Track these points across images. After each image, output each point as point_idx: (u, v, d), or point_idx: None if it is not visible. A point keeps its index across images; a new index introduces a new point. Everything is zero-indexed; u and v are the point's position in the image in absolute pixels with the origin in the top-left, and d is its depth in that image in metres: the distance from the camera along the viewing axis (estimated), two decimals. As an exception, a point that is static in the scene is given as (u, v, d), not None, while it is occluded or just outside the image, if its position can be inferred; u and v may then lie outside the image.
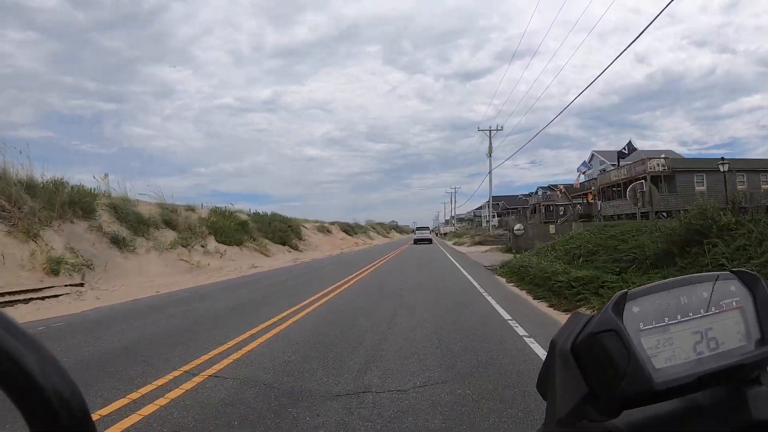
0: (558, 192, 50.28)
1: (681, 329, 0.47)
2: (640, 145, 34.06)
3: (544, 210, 54.59)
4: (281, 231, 24.89)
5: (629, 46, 19.16)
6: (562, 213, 50.14)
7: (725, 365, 0.47)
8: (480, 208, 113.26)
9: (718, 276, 0.51)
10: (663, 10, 8.51)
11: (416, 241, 41.49)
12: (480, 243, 31.55)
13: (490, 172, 36.62)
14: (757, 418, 0.48)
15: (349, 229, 47.40)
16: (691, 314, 0.48)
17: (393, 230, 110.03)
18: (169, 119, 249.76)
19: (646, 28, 11.42)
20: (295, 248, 25.67)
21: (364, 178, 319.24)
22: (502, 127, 34.13)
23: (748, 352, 0.48)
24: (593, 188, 36.43)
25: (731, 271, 0.51)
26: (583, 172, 34.57)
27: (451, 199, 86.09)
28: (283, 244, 24.24)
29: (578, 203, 44.02)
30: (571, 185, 44.91)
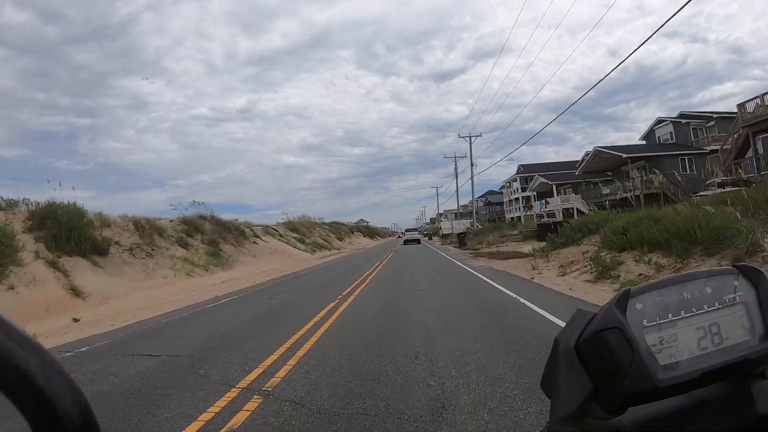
0: None
1: (685, 325, 0.47)
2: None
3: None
4: None
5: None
6: None
7: (730, 360, 0.46)
8: (484, 196, 72.65)
9: (721, 271, 0.50)
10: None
11: (406, 242, 39.53)
12: None
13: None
14: (762, 412, 0.47)
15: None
16: (694, 310, 0.47)
17: (358, 233, 68.74)
18: (145, 132, 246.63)
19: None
20: None
21: (344, 183, 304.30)
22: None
23: (752, 346, 0.47)
24: None
25: (734, 266, 0.50)
26: None
27: (454, 173, 45.62)
28: None
29: None
30: None
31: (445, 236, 40.21)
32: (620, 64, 15.54)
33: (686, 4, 8.48)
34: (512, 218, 52.10)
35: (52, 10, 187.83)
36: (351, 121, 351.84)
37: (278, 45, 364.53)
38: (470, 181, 36.87)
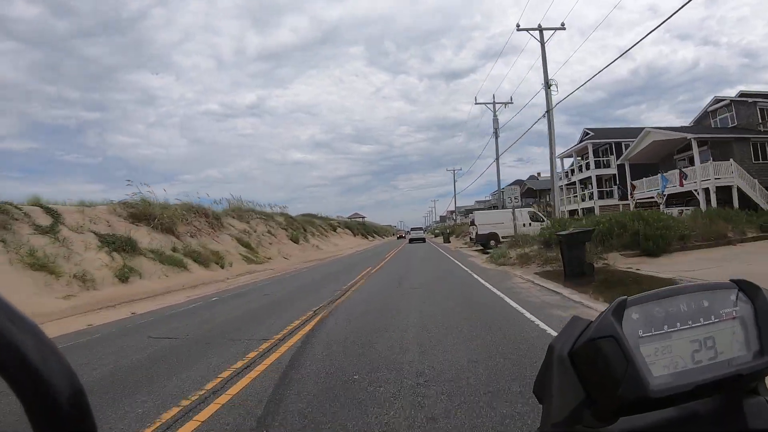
0: None
1: (680, 337, 0.46)
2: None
3: None
4: None
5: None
6: None
7: (723, 375, 0.45)
8: (515, 184, 52.33)
9: (719, 285, 0.49)
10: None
11: (411, 240, 39.90)
12: None
13: None
14: (752, 428, 0.47)
15: None
16: (690, 322, 0.47)
17: (345, 231, 49.83)
18: (154, 126, 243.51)
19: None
20: None
21: (352, 181, 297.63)
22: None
23: (746, 362, 0.47)
24: None
25: (732, 281, 0.50)
26: None
27: (495, 139, 26.48)
28: None
29: None
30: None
31: (481, 239, 20.95)
32: (622, 55, 19.45)
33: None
34: (572, 213, 32.69)
35: (63, 3, 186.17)
36: (359, 118, 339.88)
37: (287, 41, 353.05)
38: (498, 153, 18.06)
